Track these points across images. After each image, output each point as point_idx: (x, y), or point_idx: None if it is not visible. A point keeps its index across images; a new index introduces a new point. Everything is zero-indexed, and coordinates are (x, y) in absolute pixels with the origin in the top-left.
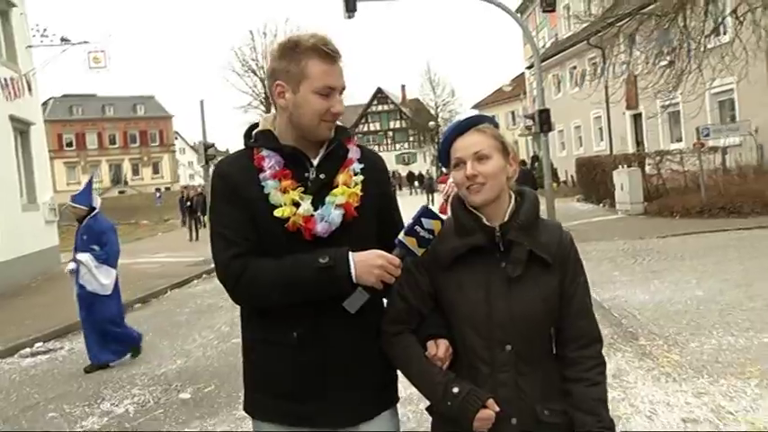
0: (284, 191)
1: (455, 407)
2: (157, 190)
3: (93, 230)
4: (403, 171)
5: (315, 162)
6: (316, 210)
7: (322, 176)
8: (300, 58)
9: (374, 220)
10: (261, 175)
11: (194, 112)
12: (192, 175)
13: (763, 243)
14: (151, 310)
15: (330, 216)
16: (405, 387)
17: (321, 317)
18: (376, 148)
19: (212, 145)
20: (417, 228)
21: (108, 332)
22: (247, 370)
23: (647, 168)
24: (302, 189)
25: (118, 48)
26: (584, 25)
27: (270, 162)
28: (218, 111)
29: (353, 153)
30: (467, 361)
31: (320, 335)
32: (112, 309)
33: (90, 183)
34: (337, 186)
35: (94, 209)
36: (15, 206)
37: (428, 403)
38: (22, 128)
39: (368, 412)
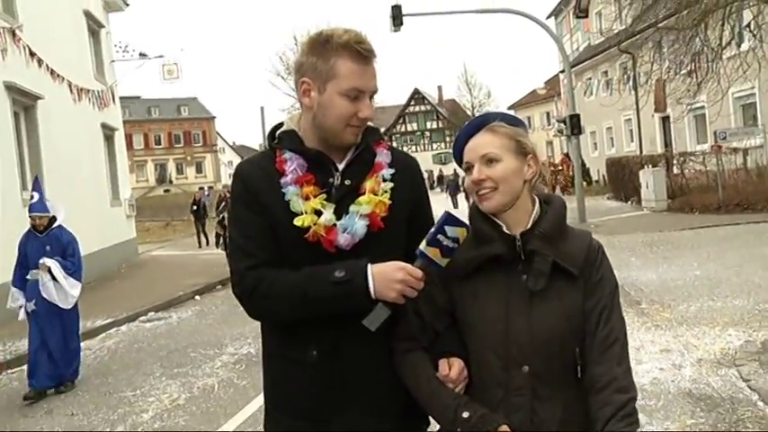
0: (306, 197)
1: None
2: (201, 189)
3: (59, 241)
4: (444, 171)
5: (340, 167)
6: (339, 219)
7: (347, 182)
8: (330, 56)
9: (403, 230)
10: (282, 180)
11: (233, 113)
12: (231, 174)
13: (764, 234)
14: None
15: (353, 227)
16: None
17: (342, 334)
18: (413, 149)
19: None
20: (440, 237)
21: (70, 348)
22: (266, 387)
23: (674, 168)
24: (325, 196)
25: (165, 52)
26: (616, 31)
27: (292, 165)
28: (257, 111)
29: (383, 157)
30: (480, 383)
31: (340, 353)
32: (76, 322)
33: (41, 192)
34: (364, 194)
35: (55, 218)
36: (105, 202)
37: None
38: (108, 133)
39: None
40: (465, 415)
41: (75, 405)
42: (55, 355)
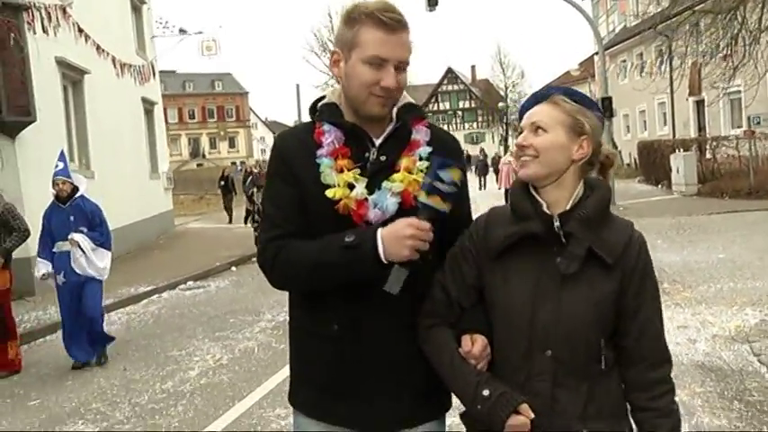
0: (340, 170)
1: (485, 411)
2: (233, 163)
3: (83, 211)
4: (471, 150)
5: (377, 142)
6: (371, 194)
7: (383, 158)
8: (355, 24)
9: None
10: (318, 152)
11: (266, 89)
12: (263, 149)
13: None
14: None
15: (384, 203)
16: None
17: (364, 310)
18: (445, 128)
19: None
20: (437, 183)
21: (98, 325)
22: (291, 358)
23: (706, 153)
24: (359, 170)
25: (202, 28)
26: (652, 14)
27: (329, 138)
28: (291, 88)
29: (421, 135)
30: (503, 365)
31: (362, 329)
32: (101, 296)
33: (66, 162)
34: (399, 171)
35: (77, 189)
36: (145, 174)
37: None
38: (148, 107)
39: (409, 419)
40: (485, 393)
41: (126, 362)
42: (85, 327)
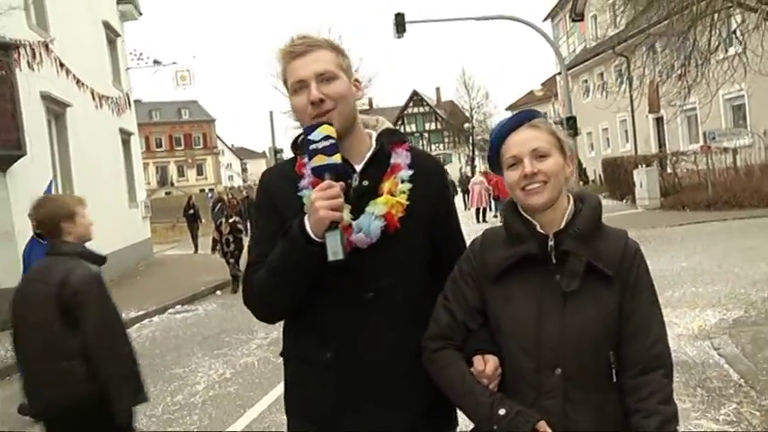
0: None
1: (501, 430)
2: (202, 191)
3: None
4: None
5: (358, 168)
6: (356, 219)
7: (365, 183)
8: (282, 67)
9: (423, 231)
10: (300, 184)
11: (232, 116)
12: (231, 176)
13: (748, 229)
14: None
15: (368, 227)
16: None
17: (358, 334)
18: None
19: (281, 150)
20: (312, 146)
21: None
22: (284, 391)
23: (667, 168)
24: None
25: (171, 59)
26: (611, 34)
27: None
28: (257, 114)
29: (401, 158)
30: (511, 385)
31: (357, 353)
32: None
33: (50, 190)
34: (381, 195)
35: None
36: (123, 204)
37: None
38: (125, 138)
39: None
40: (501, 412)
41: None
42: None
